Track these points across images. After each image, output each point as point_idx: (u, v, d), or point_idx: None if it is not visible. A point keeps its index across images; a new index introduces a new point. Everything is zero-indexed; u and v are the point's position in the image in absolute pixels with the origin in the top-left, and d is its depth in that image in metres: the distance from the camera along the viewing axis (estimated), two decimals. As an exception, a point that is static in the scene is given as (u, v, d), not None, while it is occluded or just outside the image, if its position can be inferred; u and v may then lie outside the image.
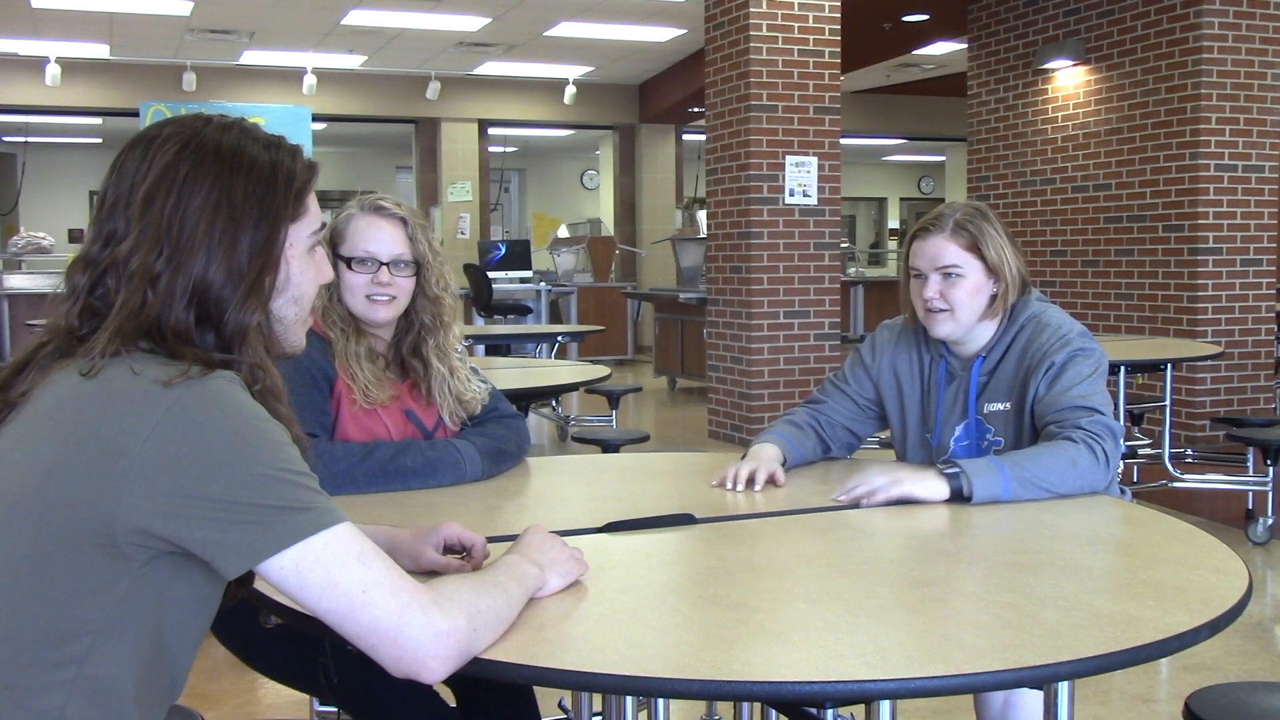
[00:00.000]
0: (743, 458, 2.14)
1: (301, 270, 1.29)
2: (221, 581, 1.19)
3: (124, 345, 1.15)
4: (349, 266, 2.10)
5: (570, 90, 12.41)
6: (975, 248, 2.16)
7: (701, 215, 10.52)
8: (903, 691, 1.19)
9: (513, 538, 1.52)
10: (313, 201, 1.30)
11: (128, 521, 1.09)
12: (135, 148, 1.24)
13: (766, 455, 2.13)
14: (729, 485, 2.04)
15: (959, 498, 1.90)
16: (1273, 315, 7.17)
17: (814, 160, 6.94)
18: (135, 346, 1.16)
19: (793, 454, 2.21)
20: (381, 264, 2.11)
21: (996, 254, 2.16)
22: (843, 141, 7.11)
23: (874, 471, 1.96)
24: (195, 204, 1.20)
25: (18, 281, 11.20)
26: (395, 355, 2.22)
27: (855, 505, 1.91)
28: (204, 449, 1.10)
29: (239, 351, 1.22)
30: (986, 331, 2.22)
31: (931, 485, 1.91)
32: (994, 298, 2.18)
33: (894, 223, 20.10)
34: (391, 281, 2.12)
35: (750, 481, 2.05)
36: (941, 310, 2.18)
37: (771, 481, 2.07)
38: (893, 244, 19.30)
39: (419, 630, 1.12)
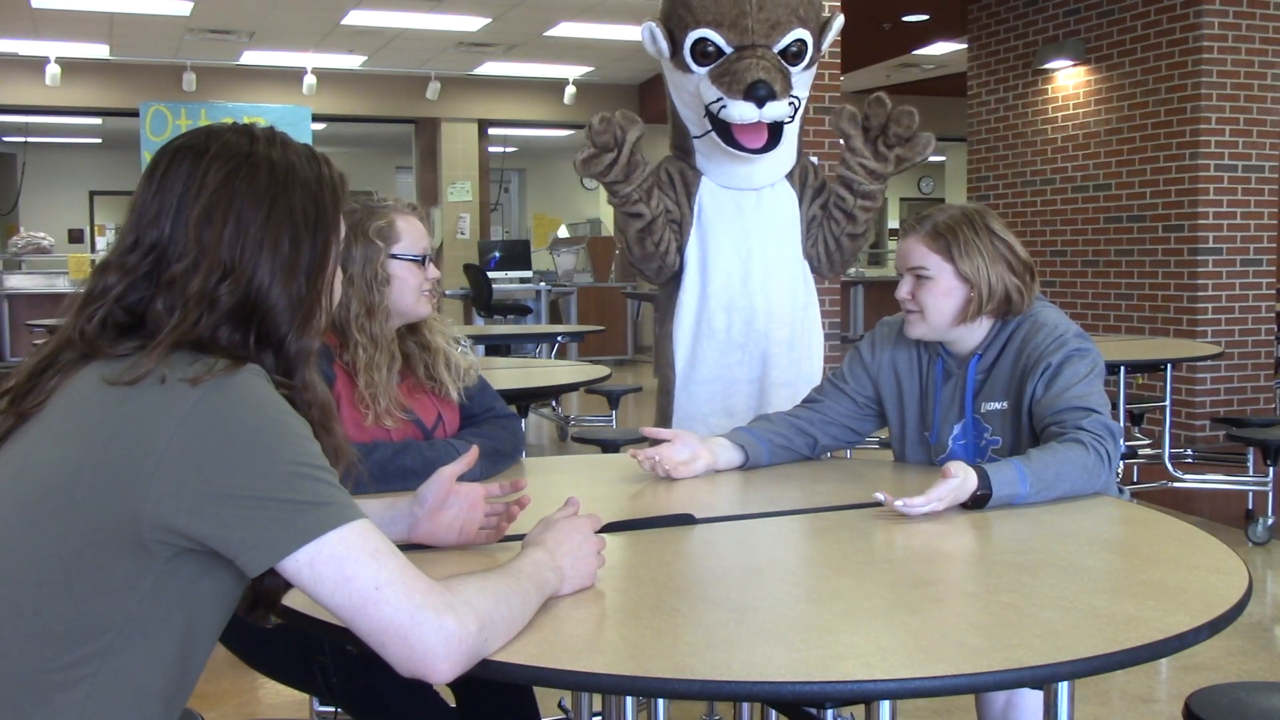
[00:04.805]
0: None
1: (335, 279, 1.31)
2: (244, 580, 1.19)
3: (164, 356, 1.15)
4: (421, 265, 2.17)
5: (570, 90, 12.41)
6: (947, 252, 2.14)
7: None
8: (903, 691, 1.19)
9: (518, 538, 1.52)
10: None
11: (154, 518, 1.10)
12: (180, 160, 1.22)
13: (671, 449, 2.16)
14: (646, 467, 2.14)
15: (977, 499, 1.86)
16: (1273, 315, 7.17)
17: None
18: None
19: (757, 451, 2.23)
20: (430, 259, 2.21)
21: (970, 262, 2.13)
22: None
23: (951, 486, 1.84)
24: (255, 227, 1.20)
25: (18, 281, 11.22)
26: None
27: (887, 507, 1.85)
28: (227, 443, 1.10)
29: (301, 372, 1.23)
30: (977, 332, 2.21)
31: (969, 483, 1.86)
32: (968, 302, 2.15)
33: (893, 223, 20.11)
34: (439, 274, 2.23)
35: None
36: (912, 311, 2.19)
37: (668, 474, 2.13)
38: (892, 244, 19.30)
39: (430, 631, 1.11)
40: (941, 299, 2.16)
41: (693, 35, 2.78)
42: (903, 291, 2.20)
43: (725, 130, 2.78)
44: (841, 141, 2.91)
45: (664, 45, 2.85)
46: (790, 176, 2.97)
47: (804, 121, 3.01)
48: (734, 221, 2.91)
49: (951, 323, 2.18)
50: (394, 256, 2.14)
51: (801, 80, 2.86)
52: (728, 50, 2.76)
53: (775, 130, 2.79)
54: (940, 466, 1.89)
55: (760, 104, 2.70)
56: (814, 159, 3.12)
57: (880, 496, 1.84)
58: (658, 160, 2.96)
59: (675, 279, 2.98)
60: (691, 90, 2.84)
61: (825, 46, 2.93)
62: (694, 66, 2.81)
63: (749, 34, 2.75)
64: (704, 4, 2.77)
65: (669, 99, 3.00)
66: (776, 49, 2.78)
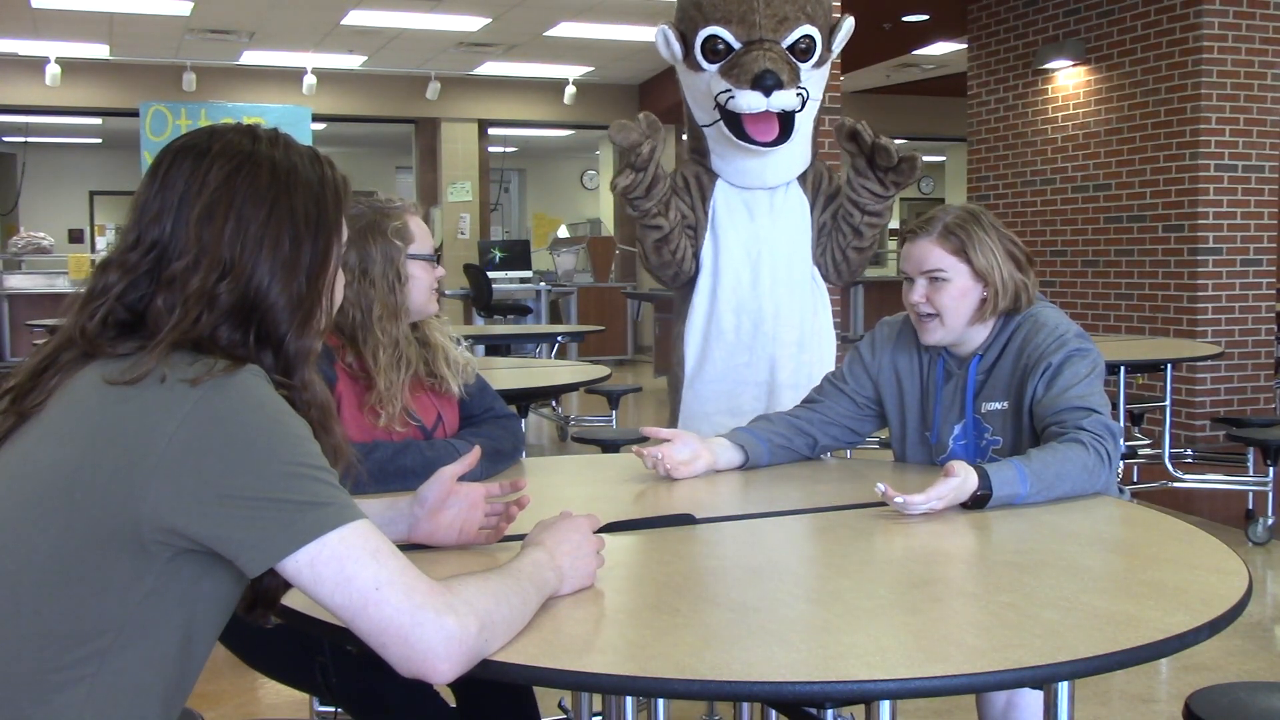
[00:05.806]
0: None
1: (337, 281, 1.31)
2: (244, 580, 1.19)
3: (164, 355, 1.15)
4: (433, 264, 2.20)
5: (570, 90, 12.40)
6: (962, 252, 2.14)
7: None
8: (903, 691, 1.19)
9: (518, 538, 1.52)
10: None
11: (154, 519, 1.10)
12: (183, 158, 1.22)
13: (672, 449, 2.15)
14: (649, 464, 2.13)
15: (978, 499, 1.86)
16: (1273, 315, 7.17)
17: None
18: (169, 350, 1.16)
19: (757, 451, 2.22)
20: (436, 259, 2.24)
21: (985, 260, 2.13)
22: (843, 141, 7.10)
23: (952, 485, 1.84)
24: (255, 225, 1.20)
25: (18, 281, 11.21)
26: None
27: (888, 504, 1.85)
28: (226, 444, 1.10)
29: (300, 372, 1.23)
30: (981, 332, 2.21)
31: (970, 483, 1.85)
32: (984, 301, 2.16)
33: (894, 223, 20.13)
34: (444, 272, 2.26)
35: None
36: (929, 315, 2.18)
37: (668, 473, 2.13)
38: (892, 244, 19.30)
39: (430, 632, 1.11)
40: (959, 299, 2.15)
41: (703, 33, 2.83)
42: (917, 296, 2.17)
43: (736, 123, 2.82)
44: (845, 155, 2.95)
45: (677, 48, 2.91)
46: (804, 180, 3.01)
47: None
48: (745, 225, 2.96)
49: (968, 323, 2.18)
50: (410, 256, 2.15)
51: (813, 78, 2.90)
52: (736, 46, 2.81)
53: (786, 123, 2.82)
54: (941, 466, 1.89)
55: (767, 93, 2.74)
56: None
57: (881, 488, 1.84)
58: (667, 163, 3.00)
59: (690, 281, 3.05)
60: (703, 89, 2.89)
61: (837, 47, 2.98)
62: (705, 64, 2.86)
63: (757, 29, 2.79)
64: (713, 2, 2.82)
65: (685, 102, 3.05)
66: (785, 44, 2.82)
